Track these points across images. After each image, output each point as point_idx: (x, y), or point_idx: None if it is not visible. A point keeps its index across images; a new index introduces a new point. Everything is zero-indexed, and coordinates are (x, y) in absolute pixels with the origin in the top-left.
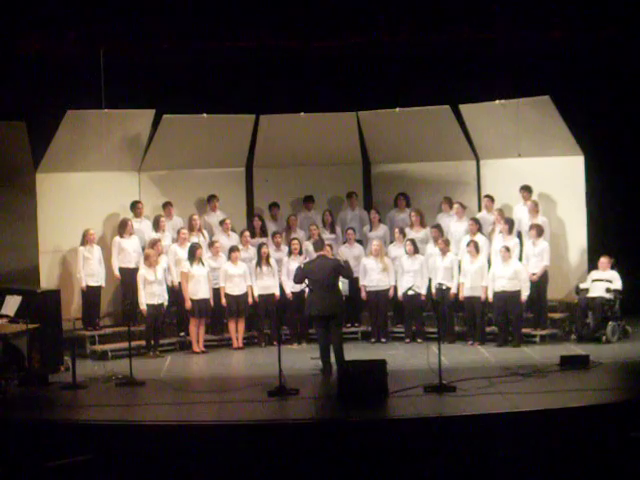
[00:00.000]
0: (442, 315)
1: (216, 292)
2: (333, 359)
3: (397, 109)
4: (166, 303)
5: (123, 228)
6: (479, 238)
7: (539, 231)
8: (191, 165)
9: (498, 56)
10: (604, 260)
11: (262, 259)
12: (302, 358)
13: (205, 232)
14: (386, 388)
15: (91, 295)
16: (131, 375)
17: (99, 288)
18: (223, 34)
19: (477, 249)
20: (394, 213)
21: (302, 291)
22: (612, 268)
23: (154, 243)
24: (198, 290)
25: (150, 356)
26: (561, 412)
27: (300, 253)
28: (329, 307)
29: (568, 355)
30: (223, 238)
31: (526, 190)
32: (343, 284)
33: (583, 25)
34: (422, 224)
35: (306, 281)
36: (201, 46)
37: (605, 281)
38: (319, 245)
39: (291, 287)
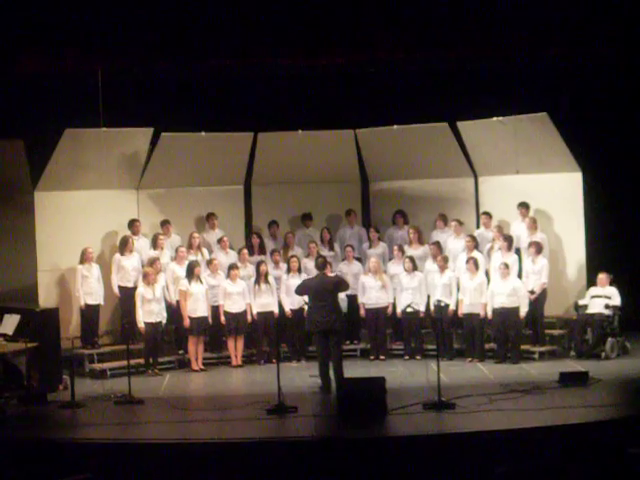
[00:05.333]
0: (441, 332)
1: (215, 310)
2: (332, 376)
3: (395, 126)
4: (164, 321)
5: (124, 246)
6: (476, 255)
7: (538, 248)
8: (190, 183)
9: (496, 73)
10: (603, 276)
11: (261, 277)
12: (301, 375)
13: (205, 250)
14: (385, 406)
15: (90, 313)
16: (130, 393)
17: (98, 306)
18: (221, 52)
19: (476, 266)
20: (392, 230)
21: (301, 308)
22: (611, 284)
23: (153, 261)
24: (197, 308)
25: (149, 374)
26: (560, 429)
27: (299, 271)
28: (328, 322)
29: (567, 372)
30: (221, 256)
31: (524, 207)
32: (342, 301)
33: (581, 42)
34: (420, 241)
35: (305, 298)
36: (199, 64)
37: (604, 297)
38: (322, 264)
39: (290, 304)
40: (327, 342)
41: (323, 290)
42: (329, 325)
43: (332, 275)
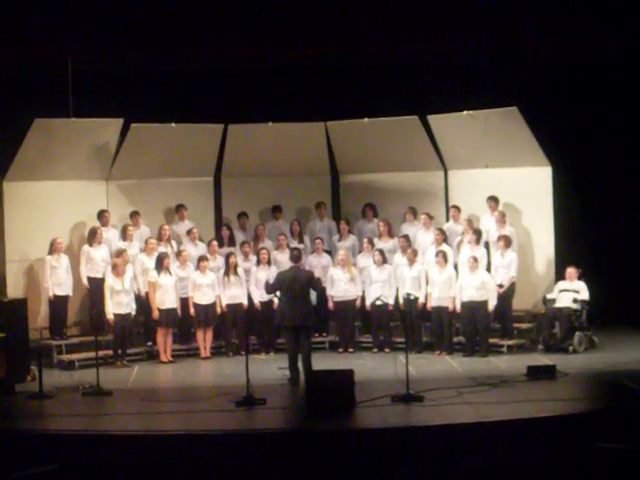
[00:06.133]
0: (410, 325)
1: (184, 302)
2: (301, 369)
3: (365, 119)
4: (134, 312)
5: (92, 237)
6: (445, 248)
7: (507, 242)
8: (159, 174)
9: (466, 67)
10: (571, 270)
11: (230, 269)
12: (270, 368)
13: (174, 242)
14: (353, 398)
15: (58, 304)
16: (98, 385)
17: (66, 297)
18: (192, 44)
19: (445, 259)
20: (362, 223)
21: (270, 301)
22: (579, 279)
23: (120, 252)
24: (165, 300)
25: (117, 366)
26: (528, 422)
27: (268, 263)
28: (300, 318)
29: (535, 365)
30: (190, 247)
31: (493, 200)
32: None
33: (551, 37)
34: (390, 234)
35: (277, 292)
36: (170, 55)
37: (572, 292)
38: (296, 257)
39: (259, 297)
40: (297, 335)
41: (297, 284)
42: (300, 321)
43: (305, 270)
